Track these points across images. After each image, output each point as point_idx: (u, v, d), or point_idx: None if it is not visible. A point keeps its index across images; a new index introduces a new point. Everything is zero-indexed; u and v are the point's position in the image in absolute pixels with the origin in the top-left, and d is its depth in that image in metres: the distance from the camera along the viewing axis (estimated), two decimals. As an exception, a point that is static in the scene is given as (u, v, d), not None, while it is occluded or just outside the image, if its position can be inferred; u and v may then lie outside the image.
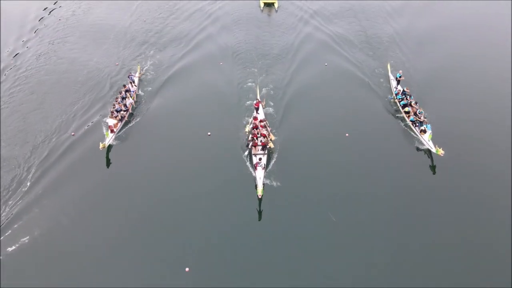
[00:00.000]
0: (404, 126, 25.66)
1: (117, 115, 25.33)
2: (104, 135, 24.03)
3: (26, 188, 20.98)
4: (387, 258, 18.09)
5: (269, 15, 40.53)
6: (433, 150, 22.52)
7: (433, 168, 22.82)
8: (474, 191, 21.25)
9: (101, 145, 22.86)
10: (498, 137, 24.70)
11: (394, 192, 21.30)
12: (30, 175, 21.72)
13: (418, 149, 24.06)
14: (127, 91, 27.63)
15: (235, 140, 24.57)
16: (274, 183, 21.43)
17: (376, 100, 28.31)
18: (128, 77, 29.40)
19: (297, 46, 34.65)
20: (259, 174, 21.07)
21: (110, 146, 23.86)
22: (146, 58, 32.91)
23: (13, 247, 18.18)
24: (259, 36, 36.49)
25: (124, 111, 26.06)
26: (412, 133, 24.92)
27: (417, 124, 24.68)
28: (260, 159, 21.84)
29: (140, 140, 25.00)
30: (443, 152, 21.88)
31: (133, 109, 27.24)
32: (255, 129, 23.78)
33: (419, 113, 25.02)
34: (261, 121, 24.64)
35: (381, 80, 30.23)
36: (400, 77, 28.39)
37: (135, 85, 29.14)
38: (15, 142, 23.93)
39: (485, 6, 41.93)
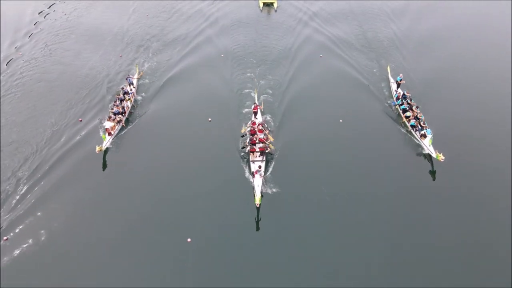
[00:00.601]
0: (404, 131, 25.44)
1: (115, 118, 25.07)
2: (101, 138, 23.76)
3: (23, 191, 20.76)
4: (388, 259, 17.93)
5: (268, 15, 40.36)
6: (433, 155, 22.32)
7: (433, 173, 22.60)
8: (474, 192, 21.10)
9: (97, 148, 22.58)
10: (499, 139, 24.55)
11: (394, 195, 21.08)
12: (28, 179, 21.48)
13: (418, 153, 23.85)
14: (125, 93, 27.38)
15: (234, 144, 24.29)
16: (273, 191, 21.07)
17: (376, 103, 28.10)
18: (126, 79, 29.13)
19: (296, 47, 34.45)
20: (257, 182, 20.73)
21: (107, 149, 23.62)
22: (144, 60, 32.68)
23: (14, 251, 18.02)
24: (258, 36, 36.30)
25: (122, 113, 25.79)
26: (413, 137, 24.71)
27: (417, 129, 24.47)
28: (259, 166, 21.53)
29: (137, 143, 24.75)
30: (443, 157, 21.68)
31: (131, 111, 26.98)
32: (253, 135, 23.55)
33: (419, 118, 24.79)
34: (259, 124, 24.42)
35: (382, 84, 30.00)
36: (400, 80, 28.17)
37: (134, 87, 28.89)
38: (13, 146, 23.63)
39: (485, 7, 41.80)
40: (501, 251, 18.11)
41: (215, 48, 34.64)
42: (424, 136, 23.57)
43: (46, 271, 17.45)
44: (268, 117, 26.51)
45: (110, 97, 28.19)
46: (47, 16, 39.61)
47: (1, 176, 21.49)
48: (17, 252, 17.98)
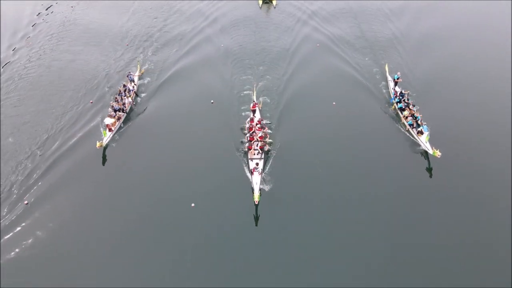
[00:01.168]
0: (402, 129, 25.71)
1: (115, 115, 25.26)
2: (102, 133, 23.95)
3: (25, 187, 21.11)
4: (387, 260, 18.12)
5: (267, 12, 40.64)
6: (430, 151, 22.64)
7: (430, 170, 22.92)
8: (471, 190, 21.40)
9: (98, 144, 22.80)
10: (496, 137, 24.90)
11: (392, 192, 21.38)
12: (28, 175, 21.79)
13: (415, 151, 24.13)
14: (126, 90, 27.54)
15: (232, 142, 24.51)
16: (271, 188, 21.33)
17: (374, 101, 28.36)
18: (127, 76, 29.30)
19: (295, 44, 34.73)
20: (256, 179, 21.00)
21: (107, 145, 23.85)
22: (145, 58, 32.85)
23: (14, 249, 18.23)
24: (257, 33, 36.58)
25: (123, 110, 25.98)
26: (410, 135, 25.01)
27: (414, 126, 24.77)
28: (257, 164, 21.80)
29: (137, 139, 25.00)
30: (440, 153, 22.03)
31: (131, 108, 27.18)
32: (251, 132, 23.78)
33: (416, 115, 25.09)
34: (258, 122, 24.65)
35: (379, 81, 30.24)
36: (398, 78, 28.44)
37: (135, 84, 29.04)
38: (12, 145, 23.76)
39: (484, 7, 41.98)
40: (501, 251, 18.24)
41: (215, 44, 34.85)
42: (421, 133, 23.88)
43: (47, 267, 17.73)
44: (267, 115, 26.72)
45: (110, 94, 28.37)
46: (46, 16, 39.63)
47: (2, 174, 21.71)
48: (17, 250, 18.21)
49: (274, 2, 42.14)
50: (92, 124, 25.58)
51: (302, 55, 33.30)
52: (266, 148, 23.26)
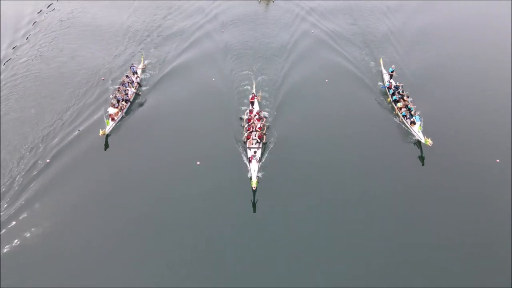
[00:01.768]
0: (396, 119, 26.48)
1: (118, 105, 26.05)
2: (105, 123, 24.74)
3: (36, 171, 21.96)
4: (386, 258, 18.36)
5: (266, 7, 41.59)
6: (422, 140, 23.42)
7: (422, 158, 23.69)
8: (464, 178, 22.08)
9: (101, 132, 23.62)
10: (487, 127, 25.70)
11: (385, 179, 22.13)
12: (33, 164, 22.55)
13: (408, 140, 24.89)
14: (130, 82, 28.32)
15: (231, 132, 25.32)
16: (268, 176, 22.12)
17: (369, 94, 29.14)
18: (130, 68, 30.11)
19: (293, 39, 35.61)
20: (254, 167, 21.82)
21: (110, 133, 24.68)
22: (147, 52, 33.69)
23: (14, 241, 18.63)
24: (257, 28, 37.56)
25: (125, 100, 26.78)
26: (404, 125, 25.78)
27: (408, 117, 25.54)
28: (255, 152, 22.62)
29: (139, 129, 25.84)
30: (431, 142, 22.85)
31: (134, 99, 27.99)
32: (250, 123, 24.59)
33: (410, 107, 25.85)
34: (257, 113, 25.44)
35: (375, 75, 31.02)
36: (392, 71, 29.24)
37: (138, 76, 29.83)
38: (15, 137, 24.39)
39: (479, 5, 42.67)
40: (501, 251, 18.35)
41: (215, 39, 35.76)
42: (413, 123, 24.65)
43: (48, 259, 18.16)
44: (265, 108, 27.50)
45: (112, 86, 29.20)
46: (47, 14, 40.39)
47: (6, 166, 22.28)
48: (18, 242, 18.63)
49: None
50: (95, 117, 26.26)
51: (299, 50, 34.12)
52: (264, 139, 24.02)
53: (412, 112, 25.49)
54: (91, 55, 33.19)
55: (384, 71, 30.52)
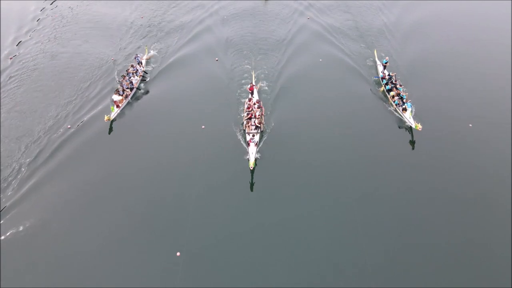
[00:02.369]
0: (389, 107, 27.62)
1: (123, 93, 27.19)
2: (110, 109, 25.89)
3: (43, 160, 22.81)
4: (387, 256, 18.53)
5: (265, 2, 42.92)
6: (413, 125, 24.56)
7: (412, 142, 24.79)
8: (452, 160, 23.18)
9: (106, 117, 24.77)
10: (475, 113, 26.95)
11: (378, 161, 23.16)
12: (42, 150, 23.52)
13: (401, 126, 26.05)
14: (134, 71, 29.47)
15: (232, 118, 26.46)
16: (264, 158, 23.29)
17: (363, 84, 30.28)
18: (135, 58, 31.25)
19: (291, 33, 36.86)
20: (252, 149, 23.08)
21: (114, 119, 25.85)
22: (151, 44, 34.90)
23: (14, 230, 19.18)
24: (256, 22, 38.83)
25: (130, 89, 27.91)
26: (397, 113, 26.90)
27: (400, 105, 26.67)
28: (253, 135, 23.87)
29: (142, 116, 26.94)
30: (421, 127, 24.14)
31: (138, 88, 29.16)
32: (249, 111, 25.74)
33: (402, 95, 26.98)
34: (256, 102, 26.56)
35: (370, 66, 32.19)
36: (386, 62, 30.40)
37: (142, 66, 30.98)
38: (18, 127, 25.23)
39: (474, 1, 43.95)
40: (501, 251, 18.42)
41: (215, 34, 36.93)
42: (405, 109, 25.78)
43: (49, 251, 18.51)
44: (262, 94, 28.72)
45: (117, 76, 30.28)
46: (51, 11, 41.51)
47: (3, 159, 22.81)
48: (20, 227, 19.25)
49: None
50: (99, 108, 27.13)
51: (297, 43, 35.32)
52: (262, 127, 25.14)
53: (404, 100, 26.62)
54: (94, 52, 33.90)
55: (378, 62, 31.69)
